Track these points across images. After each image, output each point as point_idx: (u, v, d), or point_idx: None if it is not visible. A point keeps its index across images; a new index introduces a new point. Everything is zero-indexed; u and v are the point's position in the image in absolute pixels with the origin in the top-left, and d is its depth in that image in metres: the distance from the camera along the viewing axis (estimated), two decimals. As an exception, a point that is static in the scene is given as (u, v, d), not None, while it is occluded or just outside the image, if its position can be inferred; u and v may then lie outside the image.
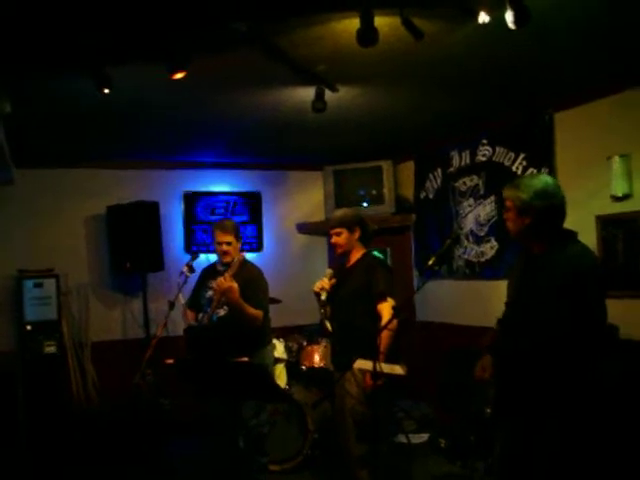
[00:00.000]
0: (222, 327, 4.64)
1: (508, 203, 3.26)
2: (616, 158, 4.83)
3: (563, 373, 3.02)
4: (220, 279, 4.54)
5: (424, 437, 6.08)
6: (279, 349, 6.07)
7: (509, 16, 3.11)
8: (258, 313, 4.67)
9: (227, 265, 4.79)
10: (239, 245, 4.92)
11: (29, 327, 6.28)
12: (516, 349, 3.13)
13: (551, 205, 3.19)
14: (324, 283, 4.38)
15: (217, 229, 4.87)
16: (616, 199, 4.90)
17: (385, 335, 4.01)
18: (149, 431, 5.96)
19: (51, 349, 6.27)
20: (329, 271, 4.50)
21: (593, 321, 3.07)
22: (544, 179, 3.31)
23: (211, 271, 4.98)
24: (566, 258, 3.12)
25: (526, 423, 3.15)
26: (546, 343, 3.03)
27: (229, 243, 4.81)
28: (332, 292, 4.41)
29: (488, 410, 3.49)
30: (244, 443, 4.63)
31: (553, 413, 3.05)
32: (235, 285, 4.51)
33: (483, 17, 3.30)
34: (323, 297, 4.35)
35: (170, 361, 4.09)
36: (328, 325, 4.50)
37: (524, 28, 3.19)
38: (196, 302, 4.95)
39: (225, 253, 4.81)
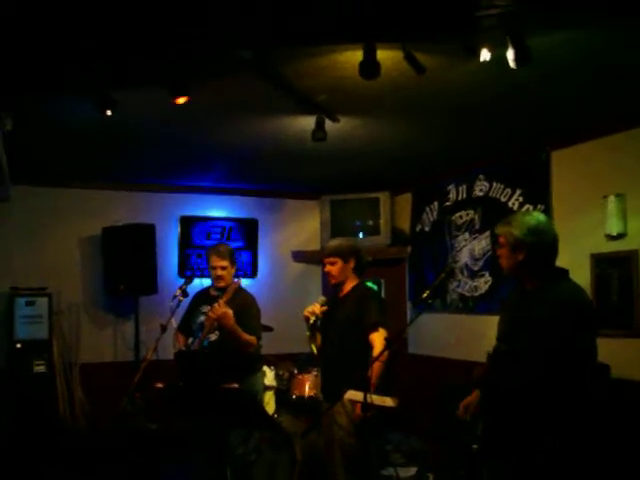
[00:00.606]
0: (213, 352, 4.62)
1: (501, 239, 3.27)
2: (612, 197, 4.86)
3: (552, 411, 3.01)
4: (215, 305, 4.53)
5: (412, 471, 6.02)
6: (269, 376, 6.03)
7: (510, 55, 3.15)
8: (252, 339, 4.66)
9: (221, 290, 4.78)
10: (234, 270, 4.92)
11: (19, 345, 6.23)
12: (508, 385, 3.12)
13: (543, 242, 3.20)
14: (315, 308, 4.37)
15: (213, 253, 4.86)
16: (611, 238, 4.92)
17: (376, 366, 3.99)
18: (136, 455, 5.90)
19: (40, 368, 6.23)
20: (322, 298, 4.50)
21: (582, 360, 3.07)
22: (536, 216, 3.34)
23: (204, 296, 4.97)
24: (558, 295, 3.12)
25: (515, 460, 3.13)
26: (536, 380, 3.02)
27: (224, 268, 4.80)
28: (323, 320, 4.41)
29: (474, 446, 3.46)
30: (231, 471, 4.59)
31: (542, 451, 3.04)
32: (230, 311, 4.51)
33: (485, 55, 3.33)
34: (312, 321, 4.35)
35: (160, 385, 4.07)
36: (314, 348, 4.50)
37: (525, 67, 3.23)
38: (187, 326, 4.93)
39: (219, 278, 4.81)
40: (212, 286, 4.95)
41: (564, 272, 3.28)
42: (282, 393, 6.05)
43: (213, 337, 4.69)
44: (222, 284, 4.79)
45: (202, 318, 4.78)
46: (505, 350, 3.19)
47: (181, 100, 3.80)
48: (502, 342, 3.25)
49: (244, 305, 4.74)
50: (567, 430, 3.02)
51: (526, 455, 3.07)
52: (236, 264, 5.01)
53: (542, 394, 3.02)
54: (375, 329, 4.24)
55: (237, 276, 5.06)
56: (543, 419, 3.01)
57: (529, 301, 3.19)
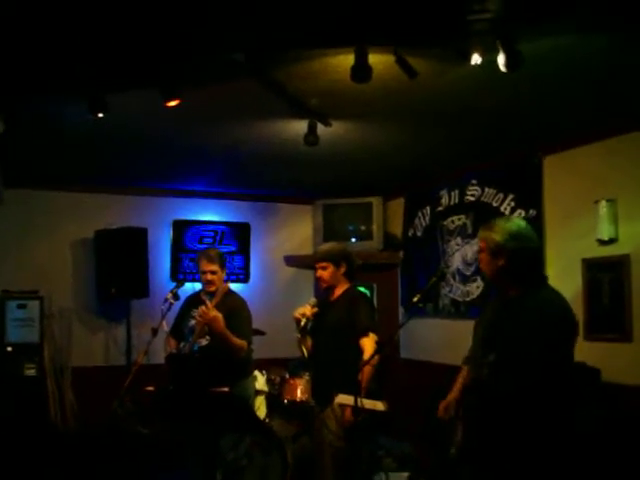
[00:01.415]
0: (203, 357, 4.61)
1: (482, 244, 3.27)
2: (603, 202, 4.88)
3: (536, 418, 3.02)
4: (202, 308, 4.53)
5: (404, 476, 6.01)
6: (260, 381, 6.02)
7: (501, 59, 3.17)
8: (243, 343, 4.65)
9: (211, 294, 4.77)
10: (224, 275, 4.91)
11: (10, 348, 6.21)
12: (498, 392, 3.10)
13: (524, 248, 3.19)
14: (306, 310, 4.37)
15: (203, 258, 4.86)
16: (602, 243, 4.94)
17: (367, 370, 3.99)
18: (126, 459, 5.87)
19: (31, 372, 6.20)
20: (313, 300, 4.51)
21: (563, 367, 3.08)
22: (518, 222, 3.34)
23: (195, 300, 4.96)
24: (538, 302, 3.12)
25: (496, 465, 3.12)
26: (523, 388, 3.02)
27: (214, 272, 4.79)
28: (314, 324, 4.41)
29: (452, 450, 3.45)
30: (222, 476, 4.57)
31: (525, 457, 3.04)
32: (219, 315, 4.50)
33: (476, 59, 3.34)
34: (302, 323, 4.35)
35: (150, 388, 4.06)
36: (304, 350, 4.50)
37: (517, 72, 3.25)
38: (178, 330, 4.92)
39: (209, 282, 4.80)
40: (203, 290, 4.94)
41: (544, 279, 3.29)
42: (274, 397, 6.04)
43: (204, 341, 4.68)
44: (212, 288, 4.79)
45: (193, 322, 4.77)
46: (495, 360, 3.17)
47: (172, 103, 3.80)
48: (484, 348, 3.23)
49: (234, 308, 4.73)
50: (549, 436, 3.03)
51: (509, 462, 3.07)
52: (226, 268, 5.00)
53: (528, 401, 3.02)
54: (366, 334, 4.24)
55: (228, 280, 5.05)
56: (528, 426, 3.01)
57: (510, 308, 3.19)
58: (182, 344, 4.79)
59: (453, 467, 3.42)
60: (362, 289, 5.32)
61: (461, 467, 3.35)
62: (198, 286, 5.27)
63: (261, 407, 5.96)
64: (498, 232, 3.20)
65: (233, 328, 4.58)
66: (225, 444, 4.51)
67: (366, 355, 4.05)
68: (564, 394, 3.08)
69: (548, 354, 3.02)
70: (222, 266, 4.87)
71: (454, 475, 3.50)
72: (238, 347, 4.62)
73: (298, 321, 4.37)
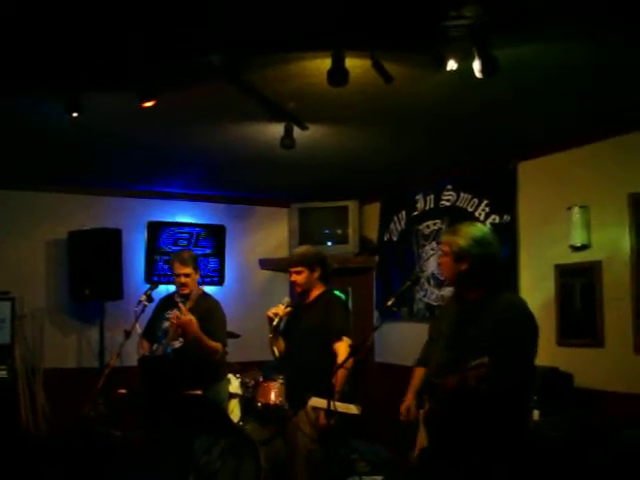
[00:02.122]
0: (177, 359, 4.59)
1: (445, 248, 3.28)
2: (576, 209, 4.93)
3: (499, 418, 3.05)
4: (176, 311, 4.51)
5: (377, 479, 6.02)
6: (234, 384, 5.99)
7: (477, 65, 3.18)
8: (217, 346, 4.63)
9: (185, 297, 4.76)
10: (197, 277, 4.89)
11: (-20, 350, 6.15)
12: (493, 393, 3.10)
13: (488, 254, 3.23)
14: (278, 309, 4.37)
15: (176, 260, 4.83)
16: (575, 249, 4.99)
17: (340, 373, 4.00)
18: (99, 462, 5.82)
19: (2, 373, 6.13)
20: (286, 299, 4.51)
21: (528, 370, 3.11)
22: (481, 228, 3.37)
23: (169, 302, 4.93)
24: (501, 306, 3.15)
25: (461, 465, 3.14)
26: (509, 388, 3.05)
27: (187, 275, 4.77)
28: (288, 326, 4.40)
29: (415, 453, 3.46)
30: (195, 479, 4.55)
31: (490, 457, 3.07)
32: (193, 318, 4.48)
33: (452, 65, 3.36)
34: (275, 322, 4.34)
35: (123, 391, 4.03)
36: (275, 350, 4.49)
37: (493, 78, 3.27)
38: (151, 332, 4.89)
39: (183, 285, 4.78)
40: (177, 292, 4.92)
41: (504, 283, 3.33)
42: (248, 401, 6.02)
43: (177, 344, 4.66)
44: (186, 291, 4.77)
45: (166, 324, 4.75)
46: (448, 361, 3.17)
47: (148, 104, 3.78)
48: (445, 352, 3.25)
49: (208, 311, 4.72)
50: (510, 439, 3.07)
51: (477, 462, 3.09)
52: (200, 270, 4.99)
53: (508, 401, 3.04)
54: (339, 338, 4.25)
55: (202, 282, 5.03)
56: (497, 428, 3.05)
57: (472, 313, 3.21)
58: (155, 346, 4.76)
59: (415, 470, 3.44)
60: (337, 293, 5.33)
61: (423, 470, 3.36)
62: (172, 288, 5.24)
63: (235, 410, 5.94)
64: (462, 237, 3.22)
65: (207, 331, 4.57)
66: (198, 447, 4.48)
67: (340, 359, 4.05)
68: (527, 395, 3.14)
69: (531, 354, 3.07)
70: (195, 268, 4.85)
71: (416, 477, 3.52)
72: (212, 350, 4.60)
73: (271, 320, 4.36)
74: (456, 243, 3.22)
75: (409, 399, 3.62)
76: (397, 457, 6.09)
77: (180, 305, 4.58)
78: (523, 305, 3.22)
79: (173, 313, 4.56)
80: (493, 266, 3.25)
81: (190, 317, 4.46)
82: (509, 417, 3.07)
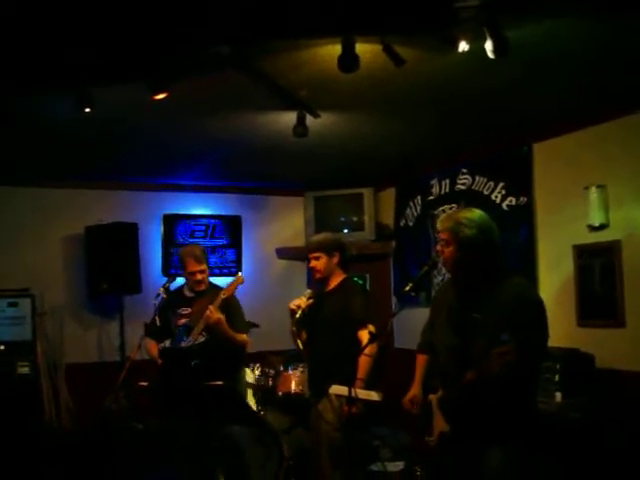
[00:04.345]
0: (201, 352, 4.58)
1: (448, 236, 3.22)
2: (593, 188, 4.87)
3: (515, 402, 3.05)
4: (208, 312, 4.47)
5: (400, 465, 6.02)
6: (249, 375, 6.00)
7: (488, 46, 3.15)
8: (244, 338, 4.66)
9: (199, 293, 4.73)
10: (208, 270, 4.89)
11: (2, 347, 6.18)
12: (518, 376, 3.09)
13: (491, 239, 3.20)
14: (301, 302, 4.36)
15: (189, 258, 4.77)
16: (593, 229, 4.94)
17: (364, 361, 4.00)
18: (122, 455, 5.87)
19: (24, 370, 6.17)
20: (308, 291, 4.50)
21: (542, 354, 3.11)
22: (480, 214, 3.31)
23: (179, 297, 4.90)
24: (507, 290, 3.13)
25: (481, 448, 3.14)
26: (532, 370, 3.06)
27: (203, 272, 4.75)
28: (309, 316, 4.39)
29: (431, 439, 3.46)
30: (220, 470, 4.55)
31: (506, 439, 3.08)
32: (222, 317, 4.48)
33: (463, 46, 3.34)
34: (297, 315, 4.34)
35: (144, 383, 4.05)
36: (299, 344, 4.49)
37: (505, 58, 3.24)
38: (159, 331, 4.83)
39: (200, 282, 4.75)
40: (185, 287, 4.89)
41: (506, 267, 3.30)
42: (268, 390, 6.03)
43: (201, 338, 4.65)
44: (202, 287, 4.76)
45: (184, 320, 4.72)
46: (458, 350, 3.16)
47: (160, 96, 3.78)
48: (455, 338, 3.23)
49: (230, 306, 4.70)
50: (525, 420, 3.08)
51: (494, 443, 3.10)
52: (208, 262, 4.97)
53: (517, 388, 3.04)
54: (363, 326, 4.23)
55: (220, 274, 5.03)
56: (514, 412, 3.05)
57: (477, 299, 3.18)
58: (169, 341, 4.74)
59: (435, 455, 3.44)
60: (356, 279, 5.32)
61: (443, 455, 3.37)
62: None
63: (251, 401, 5.95)
64: (468, 225, 3.18)
65: (233, 323, 4.58)
66: (222, 437, 4.51)
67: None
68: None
69: (545, 335, 3.07)
70: (207, 263, 4.84)
71: (437, 463, 3.52)
72: (242, 342, 4.62)
73: (293, 313, 4.36)
74: (462, 232, 3.18)
75: (415, 389, 3.60)
76: (419, 443, 6.09)
77: (210, 307, 4.53)
78: (530, 288, 3.22)
79: (206, 313, 4.49)
80: (496, 251, 3.23)
81: (219, 316, 4.46)
82: (522, 397, 3.07)
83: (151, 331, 4.86)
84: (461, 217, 3.25)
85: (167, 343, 4.74)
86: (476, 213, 3.31)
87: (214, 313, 4.45)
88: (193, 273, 4.74)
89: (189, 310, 4.75)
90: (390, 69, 3.55)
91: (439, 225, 3.31)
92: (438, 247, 3.32)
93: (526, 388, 3.12)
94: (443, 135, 5.59)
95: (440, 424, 3.36)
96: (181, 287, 4.98)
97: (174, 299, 4.91)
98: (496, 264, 3.22)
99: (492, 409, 3.08)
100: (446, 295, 3.44)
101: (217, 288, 4.85)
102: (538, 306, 3.12)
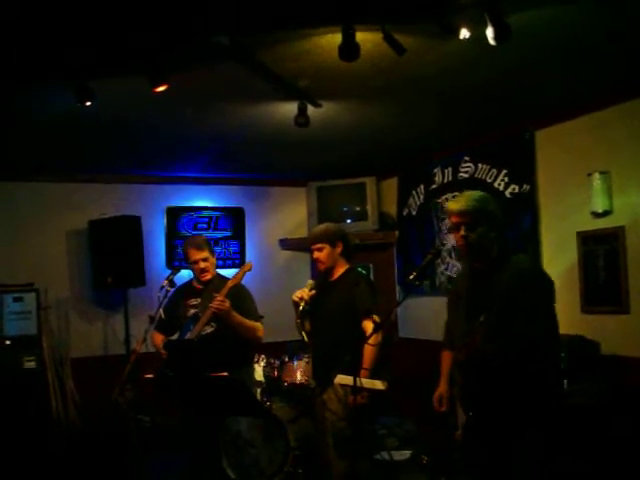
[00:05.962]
0: (208, 344, 4.57)
1: (475, 216, 3.22)
2: (596, 175, 4.86)
3: (528, 382, 3.04)
4: (216, 302, 4.46)
5: (406, 454, 6.03)
6: (258, 372, 6.00)
7: (489, 32, 3.14)
8: (257, 325, 4.65)
9: (206, 283, 4.72)
10: (215, 260, 4.86)
11: (8, 342, 6.20)
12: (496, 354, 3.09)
13: (497, 218, 3.28)
14: (304, 293, 4.36)
15: (190, 247, 4.75)
16: (596, 215, 4.93)
17: (370, 350, 3.99)
18: (129, 448, 5.88)
19: (31, 364, 6.20)
20: (310, 282, 4.48)
21: (541, 330, 3.10)
22: (483, 194, 3.40)
23: (189, 289, 4.89)
24: (511, 268, 3.17)
25: (503, 439, 3.13)
26: (532, 339, 3.05)
27: (206, 259, 4.72)
28: (314, 306, 4.39)
29: (458, 432, 3.46)
30: (226, 460, 4.56)
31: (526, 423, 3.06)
32: (228, 303, 4.46)
33: (464, 33, 3.33)
34: (301, 307, 4.33)
35: (150, 376, 4.05)
36: (304, 335, 4.48)
37: (506, 45, 3.22)
38: (168, 324, 4.83)
39: (204, 270, 4.72)
40: (194, 279, 4.88)
41: (509, 247, 3.37)
42: (273, 381, 6.03)
43: (208, 329, 4.64)
44: (208, 277, 4.73)
45: (193, 311, 4.72)
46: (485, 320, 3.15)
47: (160, 88, 3.77)
48: (467, 322, 3.23)
49: (238, 293, 4.68)
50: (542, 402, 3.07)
51: (515, 430, 3.09)
52: (215, 253, 4.95)
53: (521, 363, 3.04)
54: (369, 316, 4.22)
55: (223, 265, 5.00)
56: (521, 391, 3.04)
57: (484, 280, 3.20)
58: (178, 335, 4.73)
59: (460, 449, 3.44)
60: (360, 269, 5.31)
61: (468, 449, 3.36)
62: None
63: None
64: (488, 202, 3.25)
65: (244, 312, 4.57)
66: (228, 428, 4.51)
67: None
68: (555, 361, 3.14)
69: (541, 309, 3.07)
70: (212, 252, 4.81)
71: (462, 457, 3.52)
72: (254, 328, 4.62)
73: (297, 304, 4.35)
74: (488, 209, 3.22)
75: (442, 386, 3.60)
76: (425, 431, 6.10)
77: (216, 295, 4.51)
78: (531, 263, 3.23)
79: (214, 303, 4.47)
80: (501, 231, 3.25)
81: (226, 303, 4.44)
82: (538, 383, 3.05)
83: (157, 324, 4.86)
84: (476, 196, 3.29)
85: (177, 336, 4.74)
86: (482, 193, 3.40)
87: (221, 300, 4.43)
88: (196, 262, 4.72)
89: (198, 301, 4.74)
90: (391, 57, 3.54)
91: (457, 209, 3.27)
92: (461, 232, 3.24)
93: (543, 375, 3.08)
94: (445, 123, 5.57)
95: (461, 417, 3.37)
96: (190, 280, 4.98)
97: (184, 291, 4.90)
98: (500, 242, 3.25)
99: (499, 394, 3.08)
100: (462, 287, 3.44)
101: (225, 278, 4.85)
102: (533, 281, 3.16)
